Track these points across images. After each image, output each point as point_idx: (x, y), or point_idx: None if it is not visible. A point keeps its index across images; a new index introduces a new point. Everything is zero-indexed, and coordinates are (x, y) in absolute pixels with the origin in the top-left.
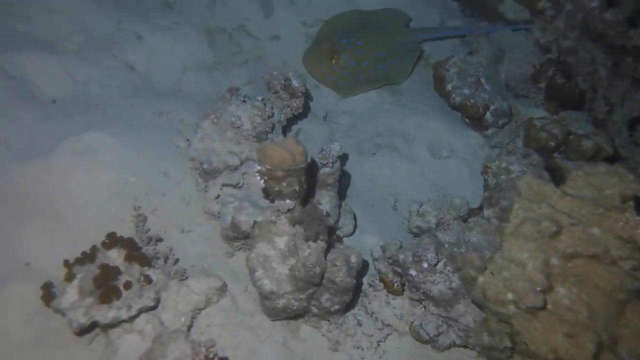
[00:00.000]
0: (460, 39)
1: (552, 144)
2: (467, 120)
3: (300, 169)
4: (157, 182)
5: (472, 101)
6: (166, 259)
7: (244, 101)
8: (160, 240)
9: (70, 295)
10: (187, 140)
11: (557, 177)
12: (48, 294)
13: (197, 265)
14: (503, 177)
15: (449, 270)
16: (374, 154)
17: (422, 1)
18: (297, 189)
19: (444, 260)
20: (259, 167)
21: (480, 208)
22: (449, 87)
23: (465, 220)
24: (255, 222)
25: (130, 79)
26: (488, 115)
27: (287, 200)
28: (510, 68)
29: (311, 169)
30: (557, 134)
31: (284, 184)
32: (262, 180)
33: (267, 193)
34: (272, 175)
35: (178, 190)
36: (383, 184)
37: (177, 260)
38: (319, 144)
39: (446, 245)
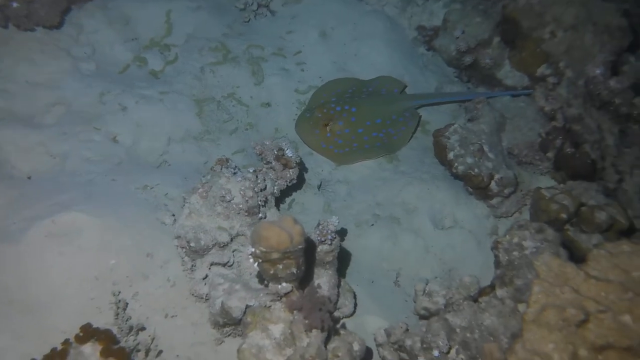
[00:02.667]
0: (458, 105)
1: (564, 216)
2: (470, 189)
3: (298, 249)
4: (140, 263)
5: (476, 170)
6: (148, 350)
7: (235, 173)
8: (142, 329)
9: None
10: (173, 215)
11: (573, 252)
12: None
13: (183, 356)
14: (516, 253)
15: (462, 359)
16: (372, 225)
17: (417, 68)
18: (295, 272)
19: (457, 347)
20: (252, 250)
21: (492, 287)
22: (450, 155)
23: (476, 300)
24: (247, 308)
25: (113, 152)
26: (493, 184)
27: (284, 284)
28: (513, 135)
29: (309, 248)
30: (569, 206)
31: (281, 266)
32: (256, 264)
33: (261, 277)
34: (267, 258)
35: (162, 271)
36: (384, 258)
37: (159, 353)
38: (314, 216)
39: (458, 330)
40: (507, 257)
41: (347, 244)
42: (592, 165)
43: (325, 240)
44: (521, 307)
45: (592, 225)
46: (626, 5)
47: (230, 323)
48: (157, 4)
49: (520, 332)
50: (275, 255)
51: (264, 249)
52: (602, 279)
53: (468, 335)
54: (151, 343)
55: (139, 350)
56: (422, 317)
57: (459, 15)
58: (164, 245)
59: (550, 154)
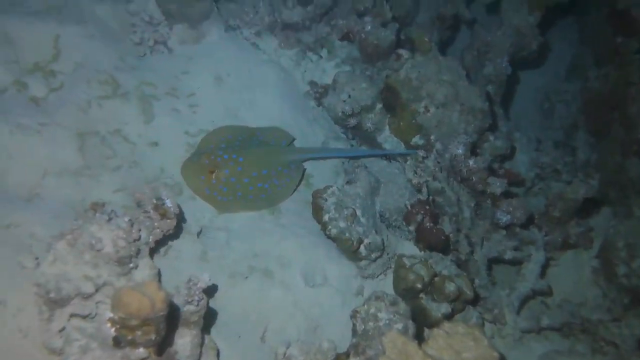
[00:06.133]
0: (341, 160)
1: (419, 286)
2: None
3: (159, 316)
4: None
5: (347, 235)
6: None
7: (110, 220)
8: None
9: None
10: (37, 259)
11: (424, 319)
12: None
13: None
14: (371, 324)
15: None
16: (246, 277)
17: (307, 121)
18: (154, 338)
19: None
20: (111, 315)
21: (347, 354)
22: (326, 217)
23: None
24: None
25: None
26: (362, 248)
27: (141, 349)
28: (385, 199)
29: (173, 311)
30: (424, 276)
31: (139, 333)
32: (113, 329)
33: (117, 342)
34: (126, 325)
35: (15, 320)
36: (253, 311)
37: None
38: (190, 263)
39: None
40: (363, 327)
41: (219, 294)
42: (446, 241)
43: (192, 300)
44: None
45: (442, 295)
46: (489, 87)
47: None
48: (45, 26)
49: None
50: (134, 322)
51: (124, 316)
52: (436, 358)
53: None
54: None
55: None
56: None
57: (347, 77)
58: (21, 291)
59: (412, 227)
